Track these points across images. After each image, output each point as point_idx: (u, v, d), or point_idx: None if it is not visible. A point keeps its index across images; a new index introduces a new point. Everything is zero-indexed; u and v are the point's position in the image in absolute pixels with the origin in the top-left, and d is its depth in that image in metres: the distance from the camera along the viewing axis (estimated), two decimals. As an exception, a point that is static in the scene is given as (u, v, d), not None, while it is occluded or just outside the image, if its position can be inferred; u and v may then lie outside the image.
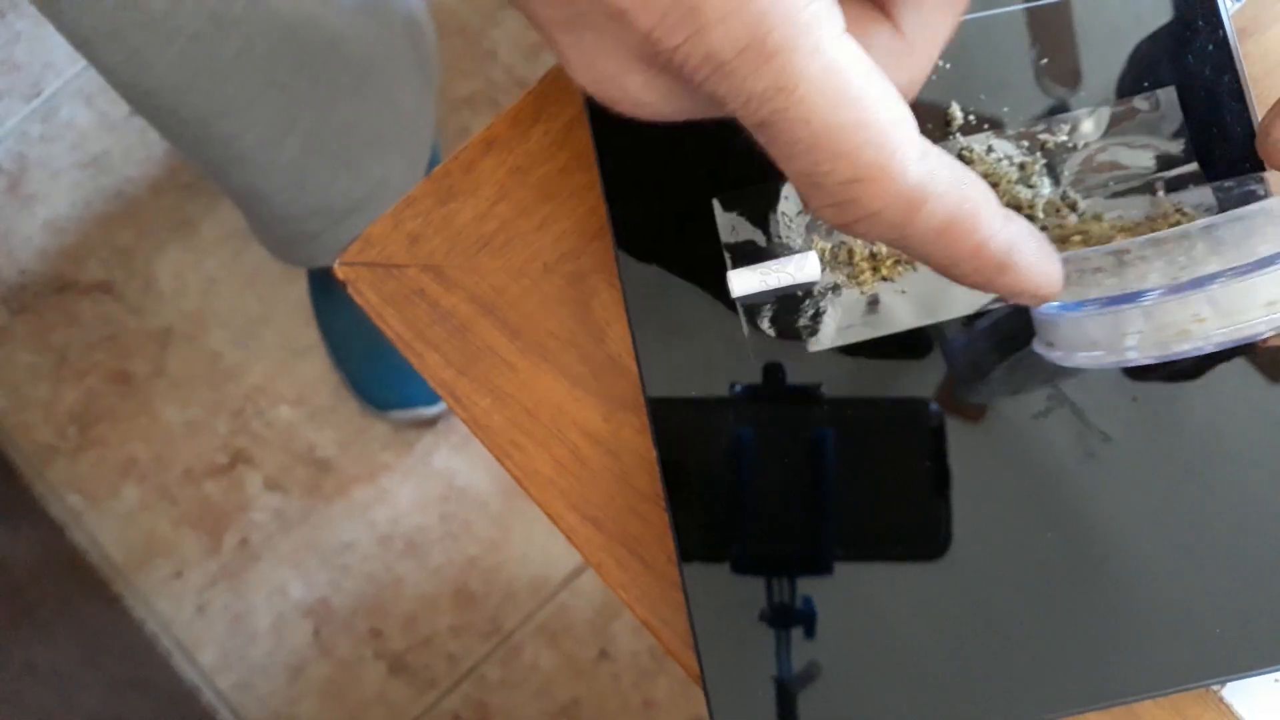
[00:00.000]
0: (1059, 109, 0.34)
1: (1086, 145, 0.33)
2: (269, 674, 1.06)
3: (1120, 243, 0.28)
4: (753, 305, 0.33)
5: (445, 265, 0.37)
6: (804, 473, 0.33)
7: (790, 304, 0.33)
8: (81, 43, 0.59)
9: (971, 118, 0.34)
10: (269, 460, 1.09)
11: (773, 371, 0.33)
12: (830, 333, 0.33)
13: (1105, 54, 0.34)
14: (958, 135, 0.33)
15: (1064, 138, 0.33)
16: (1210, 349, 0.27)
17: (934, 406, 0.33)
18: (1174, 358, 0.28)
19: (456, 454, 1.08)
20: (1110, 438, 0.33)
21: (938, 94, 0.34)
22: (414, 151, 0.87)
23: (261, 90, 0.66)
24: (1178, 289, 0.27)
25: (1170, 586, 0.32)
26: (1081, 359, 0.29)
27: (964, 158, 0.33)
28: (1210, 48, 0.34)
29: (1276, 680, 0.33)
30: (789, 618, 0.32)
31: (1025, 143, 0.33)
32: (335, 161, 0.77)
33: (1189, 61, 0.34)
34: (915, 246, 0.25)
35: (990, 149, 0.33)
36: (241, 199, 0.82)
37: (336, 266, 0.37)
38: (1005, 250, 0.25)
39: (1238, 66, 0.33)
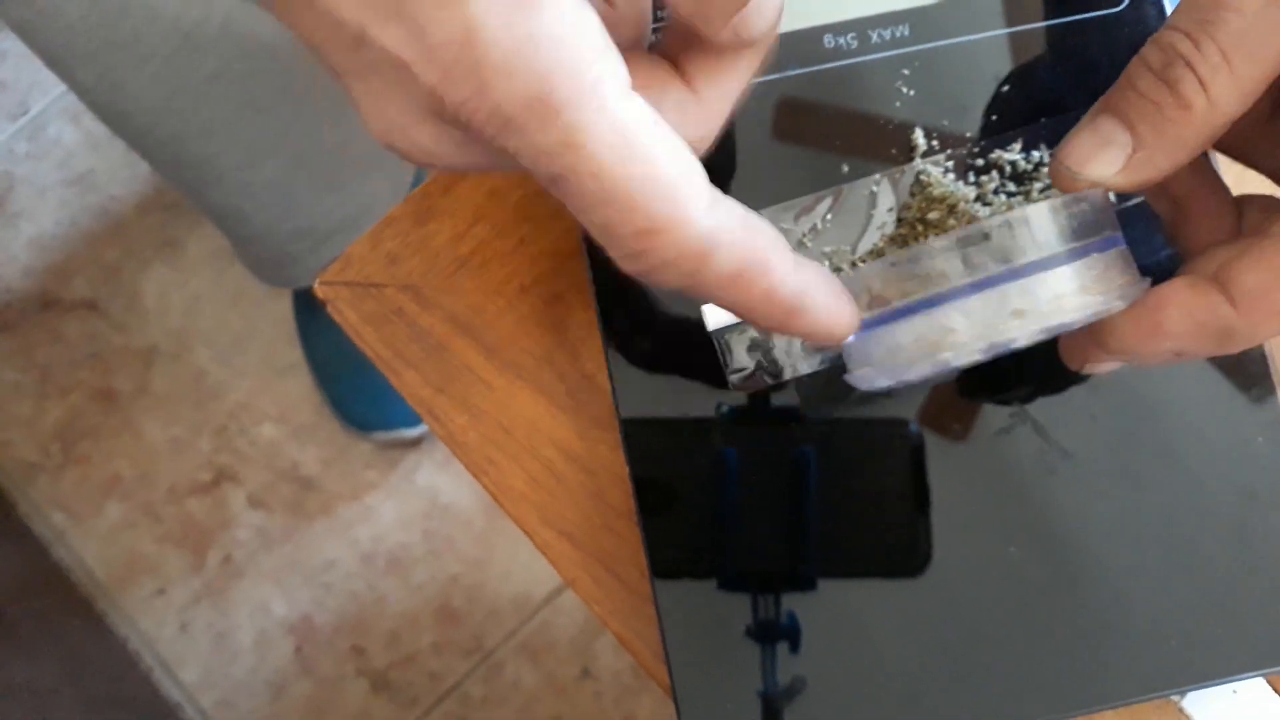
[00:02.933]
0: (1020, 131, 0.35)
1: (1042, 163, 0.34)
2: (251, 691, 1.06)
3: (886, 260, 0.28)
4: (731, 334, 0.34)
5: (423, 285, 0.38)
6: (786, 491, 0.34)
7: (764, 332, 0.34)
8: (54, 62, 0.60)
9: (935, 142, 0.34)
10: (252, 478, 1.09)
11: (755, 394, 0.34)
12: (804, 359, 0.34)
13: (1063, 80, 0.35)
14: (918, 159, 0.34)
15: (1018, 157, 0.34)
16: (969, 360, 0.27)
17: (913, 426, 0.34)
18: (945, 369, 0.28)
19: (440, 472, 1.08)
20: (1071, 454, 0.34)
21: (901, 120, 0.35)
22: (398, 174, 0.88)
23: (238, 112, 0.66)
24: (922, 306, 0.27)
25: (1130, 599, 0.33)
26: (868, 376, 0.29)
27: (921, 181, 0.34)
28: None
29: (1234, 691, 0.34)
30: (774, 633, 0.33)
31: (981, 162, 0.34)
32: (318, 183, 0.78)
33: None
34: (710, 294, 0.25)
35: (947, 171, 0.34)
36: (222, 220, 0.83)
37: (316, 286, 0.38)
38: (797, 295, 0.25)
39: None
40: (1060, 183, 0.28)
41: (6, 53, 1.16)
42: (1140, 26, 0.35)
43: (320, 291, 0.38)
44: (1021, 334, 0.26)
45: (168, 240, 1.13)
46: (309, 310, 1.07)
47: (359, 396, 1.06)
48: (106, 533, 1.09)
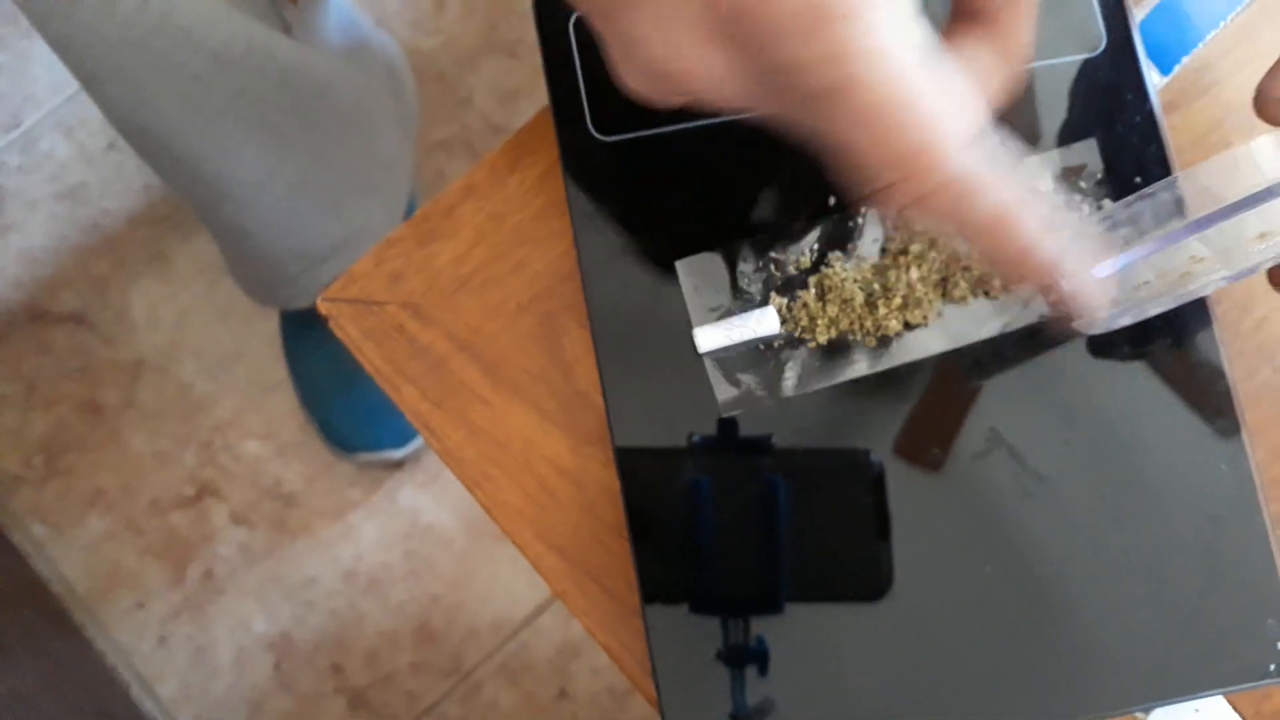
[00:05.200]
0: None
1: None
2: (229, 707, 1.06)
3: (1111, 208, 0.30)
4: (720, 358, 0.36)
5: (424, 303, 0.39)
6: (776, 517, 0.35)
7: (753, 356, 0.36)
8: (86, 77, 0.61)
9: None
10: (236, 494, 1.09)
11: (727, 423, 0.35)
12: (792, 382, 0.35)
13: (1043, 119, 0.37)
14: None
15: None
16: (1214, 288, 0.29)
17: (874, 456, 0.35)
18: (1186, 299, 0.30)
19: (422, 492, 1.09)
20: (1045, 478, 0.35)
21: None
22: (393, 197, 0.89)
23: (252, 132, 0.68)
24: (1171, 238, 0.28)
25: (1098, 619, 0.34)
26: (1111, 316, 0.31)
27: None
28: (1138, 119, 0.36)
29: (1196, 710, 0.36)
30: (743, 656, 0.34)
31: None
32: (319, 205, 0.79)
33: (1118, 131, 0.36)
34: (972, 232, 0.25)
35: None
36: (226, 237, 0.84)
37: (319, 302, 0.39)
38: (1055, 256, 0.26)
39: (1163, 137, 0.36)
40: (1265, 112, 0.29)
41: (1, 66, 1.17)
42: (1116, 70, 0.37)
43: (323, 307, 0.39)
44: (1263, 257, 0.28)
45: (157, 255, 1.14)
46: (296, 332, 1.07)
47: (344, 418, 1.06)
48: (87, 545, 1.09)
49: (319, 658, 1.06)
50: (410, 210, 1.00)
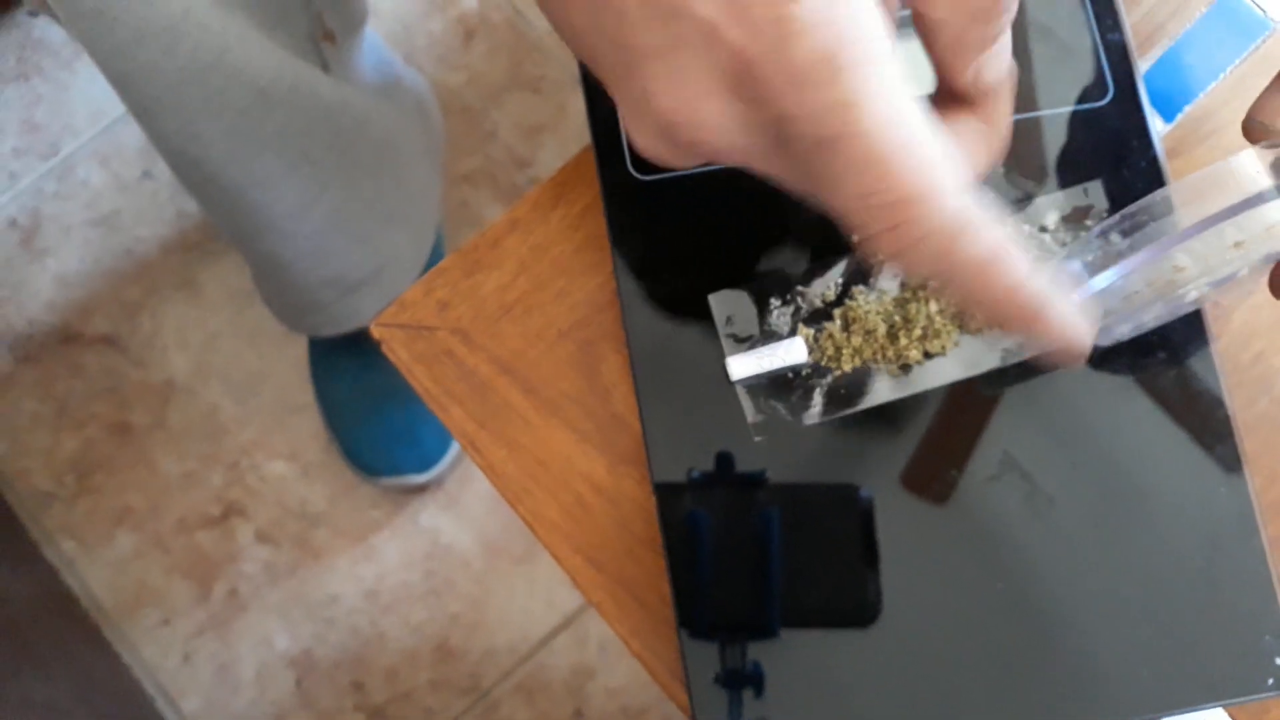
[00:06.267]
0: (1015, 207, 0.38)
1: (1034, 235, 0.38)
2: (251, 723, 1.08)
3: (1104, 224, 0.32)
4: (751, 386, 0.38)
5: (471, 329, 0.41)
6: (814, 545, 0.36)
7: (782, 384, 0.38)
8: (142, 111, 0.63)
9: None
10: (261, 513, 1.11)
11: (758, 449, 0.37)
12: (819, 408, 0.38)
13: (1053, 164, 0.39)
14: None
15: (1011, 230, 0.38)
16: (1198, 293, 0.31)
17: (862, 491, 0.37)
18: (1179, 307, 0.32)
19: (443, 513, 1.11)
20: (1055, 501, 0.37)
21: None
22: (422, 229, 0.91)
23: (294, 165, 0.70)
24: (1158, 249, 0.30)
25: (1103, 633, 0.36)
26: (1108, 326, 0.32)
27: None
28: (1142, 164, 0.39)
29: (1198, 721, 0.37)
30: (771, 676, 0.36)
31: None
32: (352, 235, 0.81)
33: (1124, 175, 0.38)
34: (959, 278, 0.26)
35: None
36: (262, 265, 0.86)
37: (373, 327, 0.42)
38: (1041, 296, 0.26)
39: (1165, 181, 0.38)
40: (1251, 136, 0.31)
41: (42, 97, 1.21)
42: (1121, 118, 0.39)
43: (376, 332, 0.42)
44: (1243, 264, 0.30)
45: (187, 280, 1.16)
46: (323, 358, 1.09)
47: (367, 443, 1.08)
48: (115, 562, 1.11)
49: (340, 675, 1.08)
50: (438, 241, 1.02)
